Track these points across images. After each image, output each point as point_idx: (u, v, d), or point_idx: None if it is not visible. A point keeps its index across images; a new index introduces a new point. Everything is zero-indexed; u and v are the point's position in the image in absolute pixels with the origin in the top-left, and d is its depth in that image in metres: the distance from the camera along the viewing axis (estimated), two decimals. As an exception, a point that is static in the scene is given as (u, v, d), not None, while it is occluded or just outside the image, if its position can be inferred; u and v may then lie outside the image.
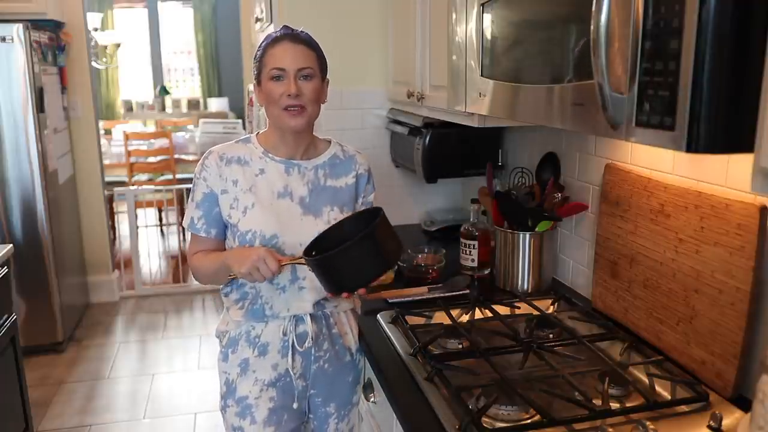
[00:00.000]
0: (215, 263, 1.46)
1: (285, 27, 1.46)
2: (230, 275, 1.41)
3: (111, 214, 5.08)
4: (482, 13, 1.41)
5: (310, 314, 1.50)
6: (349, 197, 1.53)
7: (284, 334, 1.49)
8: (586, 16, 0.95)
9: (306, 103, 1.41)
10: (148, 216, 6.12)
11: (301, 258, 1.36)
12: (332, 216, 1.48)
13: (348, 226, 1.43)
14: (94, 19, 6.14)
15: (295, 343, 1.49)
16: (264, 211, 1.44)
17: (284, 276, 1.46)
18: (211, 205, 1.47)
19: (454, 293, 1.79)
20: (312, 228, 1.45)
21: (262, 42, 1.46)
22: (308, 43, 1.44)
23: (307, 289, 1.48)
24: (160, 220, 6.12)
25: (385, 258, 1.35)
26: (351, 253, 1.29)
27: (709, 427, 1.12)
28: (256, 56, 1.46)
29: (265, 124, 1.56)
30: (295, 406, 1.53)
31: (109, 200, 4.83)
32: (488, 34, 1.40)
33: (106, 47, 7.04)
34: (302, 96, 1.40)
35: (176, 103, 8.81)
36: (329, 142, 1.57)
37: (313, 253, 1.36)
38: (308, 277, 1.46)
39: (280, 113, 1.42)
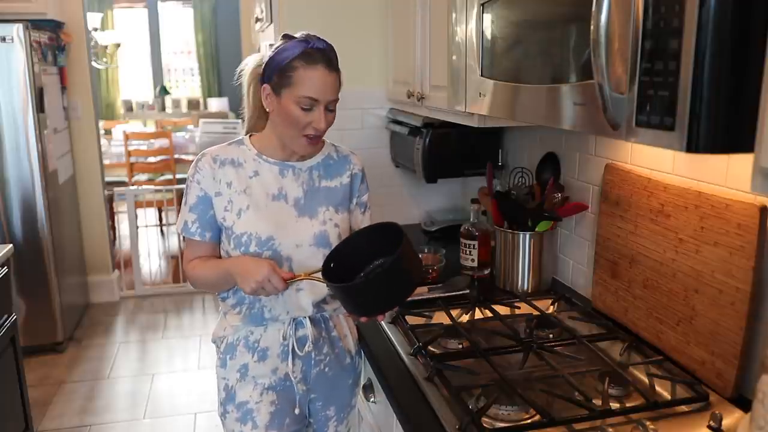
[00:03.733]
0: (216, 273, 1.44)
1: (317, 39, 1.39)
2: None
3: (111, 214, 5.07)
4: (482, 13, 1.41)
5: (309, 317, 1.49)
6: (343, 197, 1.52)
7: (284, 339, 1.48)
8: (586, 16, 0.95)
9: (324, 132, 1.41)
10: (148, 216, 6.12)
11: (310, 274, 1.35)
12: (327, 216, 1.48)
13: (363, 238, 1.41)
14: (94, 19, 6.15)
15: (296, 348, 1.49)
16: (259, 214, 1.43)
17: None
18: (205, 208, 1.45)
19: (454, 293, 1.79)
20: (308, 229, 1.45)
21: (292, 50, 1.36)
22: (338, 69, 1.40)
23: (305, 291, 1.47)
24: (160, 220, 6.11)
25: (410, 283, 1.32)
26: (377, 281, 1.26)
27: (709, 427, 1.12)
28: (279, 62, 1.37)
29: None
30: (297, 411, 1.52)
31: (109, 200, 4.83)
32: (488, 34, 1.40)
33: (106, 47, 7.05)
34: (325, 128, 1.40)
35: (176, 103, 8.82)
36: (323, 141, 1.56)
37: (332, 265, 1.35)
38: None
39: (298, 138, 1.40)
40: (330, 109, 1.39)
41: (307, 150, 1.44)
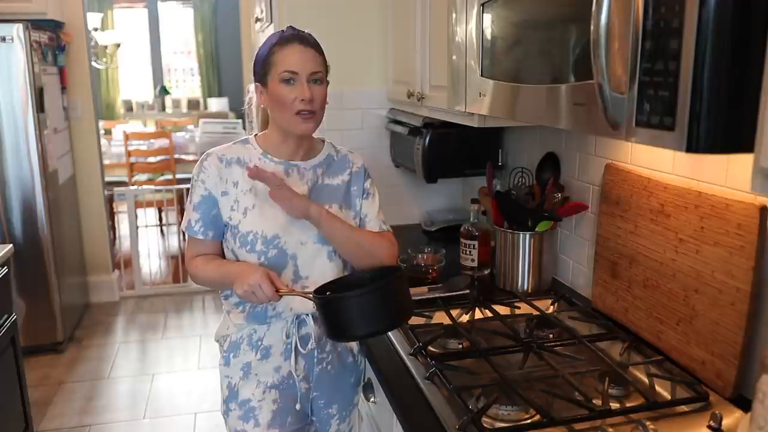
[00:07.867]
0: (217, 274, 1.46)
1: (291, 28, 1.45)
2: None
3: (111, 214, 5.07)
4: (482, 13, 1.41)
5: (312, 315, 1.50)
6: (346, 194, 1.53)
7: (287, 337, 1.49)
8: (586, 16, 0.95)
9: (317, 108, 1.41)
10: (148, 216, 6.12)
11: (302, 292, 1.37)
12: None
13: (366, 274, 1.42)
14: (94, 19, 6.14)
15: (299, 346, 1.49)
16: (264, 212, 1.44)
17: (286, 276, 1.46)
18: (208, 207, 1.46)
19: (454, 293, 1.79)
20: (313, 227, 1.45)
21: (269, 41, 1.44)
22: (317, 46, 1.44)
23: (310, 288, 1.47)
24: (160, 220, 6.11)
25: (395, 315, 1.32)
26: (361, 300, 1.27)
27: (709, 427, 1.12)
28: (260, 55, 1.44)
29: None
30: (297, 407, 1.53)
31: (109, 200, 4.83)
32: (488, 34, 1.40)
33: (106, 47, 7.05)
34: (314, 101, 1.40)
35: (176, 103, 8.83)
36: (323, 141, 1.57)
37: (327, 293, 1.35)
38: (311, 276, 1.46)
39: (291, 117, 1.41)
40: (315, 81, 1.41)
41: (305, 129, 1.42)
